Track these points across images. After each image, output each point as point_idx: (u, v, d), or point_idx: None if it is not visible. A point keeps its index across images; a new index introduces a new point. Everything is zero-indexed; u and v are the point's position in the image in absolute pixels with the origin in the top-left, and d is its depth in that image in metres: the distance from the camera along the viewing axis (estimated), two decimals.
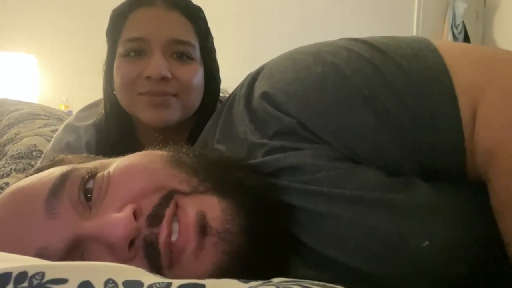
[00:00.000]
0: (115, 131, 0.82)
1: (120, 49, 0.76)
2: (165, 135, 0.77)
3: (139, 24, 0.75)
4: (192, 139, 0.80)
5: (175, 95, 0.74)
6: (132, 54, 0.75)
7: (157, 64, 0.71)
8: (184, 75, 0.74)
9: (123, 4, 0.78)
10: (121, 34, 0.76)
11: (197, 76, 0.77)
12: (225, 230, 0.38)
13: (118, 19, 0.77)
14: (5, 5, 2.47)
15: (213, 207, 0.39)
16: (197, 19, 0.79)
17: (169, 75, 0.72)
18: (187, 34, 0.76)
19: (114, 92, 0.80)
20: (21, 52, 2.42)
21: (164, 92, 0.73)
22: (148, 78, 0.72)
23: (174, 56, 0.75)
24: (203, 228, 0.37)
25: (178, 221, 0.38)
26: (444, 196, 0.41)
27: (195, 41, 0.77)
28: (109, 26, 0.80)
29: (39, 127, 1.28)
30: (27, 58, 2.42)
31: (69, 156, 0.50)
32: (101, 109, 0.87)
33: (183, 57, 0.75)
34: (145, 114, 0.74)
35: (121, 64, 0.76)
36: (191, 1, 0.80)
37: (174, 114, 0.75)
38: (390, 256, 0.40)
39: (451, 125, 0.40)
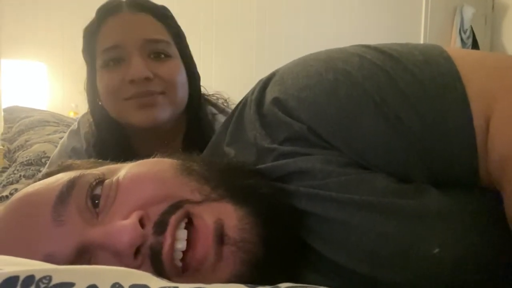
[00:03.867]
0: (110, 143, 0.82)
1: (98, 62, 0.77)
2: (159, 139, 0.78)
3: (110, 33, 0.77)
4: (187, 141, 0.80)
5: (161, 93, 0.75)
6: (111, 63, 0.76)
7: (137, 66, 0.73)
8: (165, 72, 0.76)
9: (92, 21, 0.80)
10: (96, 48, 0.78)
11: (179, 71, 0.78)
12: (243, 239, 0.38)
13: (91, 35, 0.79)
14: (16, 14, 2.50)
15: (230, 215, 0.39)
16: (165, 18, 0.80)
17: (151, 75, 0.73)
18: (159, 32, 0.78)
19: (100, 103, 0.81)
20: (31, 59, 2.45)
21: (150, 92, 0.74)
22: (132, 81, 0.73)
23: (152, 56, 0.76)
24: (220, 237, 0.37)
25: (197, 230, 0.38)
26: (456, 203, 0.41)
27: (169, 38, 0.79)
28: (84, 44, 0.81)
29: (49, 134, 1.29)
30: (37, 65, 2.45)
31: (77, 162, 0.50)
32: (86, 129, 0.89)
33: (160, 55, 0.76)
34: (135, 116, 0.75)
35: (102, 75, 0.77)
36: (154, 3, 0.82)
37: (163, 112, 0.76)
38: (399, 263, 0.40)
39: (464, 132, 0.40)
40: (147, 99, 0.74)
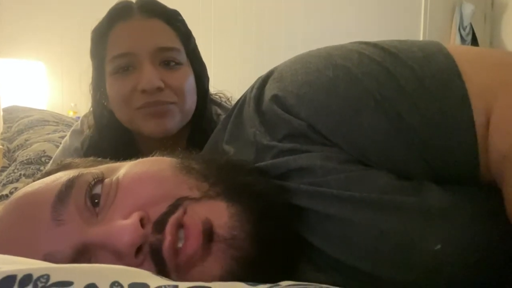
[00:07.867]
0: (113, 144, 0.81)
1: (108, 68, 0.76)
2: (166, 142, 0.78)
3: (122, 39, 0.75)
4: (191, 142, 0.80)
5: (172, 103, 0.75)
6: (121, 70, 0.74)
7: (149, 76, 0.72)
8: (176, 81, 0.75)
9: (101, 22, 0.79)
10: (106, 52, 0.76)
11: (189, 80, 0.77)
12: (232, 236, 0.38)
13: (100, 38, 0.77)
14: (15, 13, 2.50)
15: (220, 214, 0.39)
16: (176, 22, 0.79)
17: (163, 85, 0.73)
18: (171, 39, 0.77)
19: (105, 103, 0.80)
20: (30, 59, 2.45)
21: (161, 102, 0.74)
22: (144, 91, 0.72)
23: (162, 64, 0.75)
24: (209, 235, 0.37)
25: (183, 228, 0.38)
26: (457, 199, 0.41)
27: (179, 45, 0.78)
28: (92, 47, 0.80)
29: (48, 133, 1.29)
30: (36, 64, 2.45)
31: (76, 160, 0.50)
32: (87, 130, 0.88)
33: (170, 63, 0.75)
34: (146, 126, 0.74)
35: (113, 82, 0.76)
36: (166, 6, 0.80)
37: (173, 121, 0.75)
38: (401, 260, 0.40)
39: (464, 128, 0.40)
40: (158, 109, 0.74)
